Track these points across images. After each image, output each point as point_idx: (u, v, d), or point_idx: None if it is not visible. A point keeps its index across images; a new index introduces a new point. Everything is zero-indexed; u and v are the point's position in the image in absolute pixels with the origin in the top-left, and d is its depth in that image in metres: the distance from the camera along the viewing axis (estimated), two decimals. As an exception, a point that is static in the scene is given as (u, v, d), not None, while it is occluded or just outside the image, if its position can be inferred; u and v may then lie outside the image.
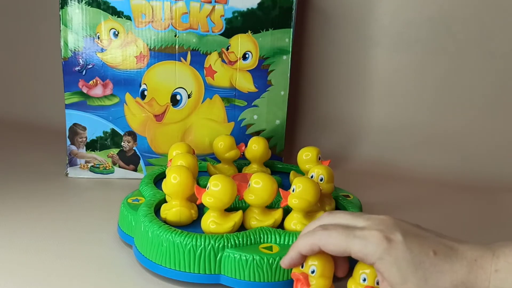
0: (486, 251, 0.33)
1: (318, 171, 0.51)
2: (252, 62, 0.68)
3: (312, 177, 0.51)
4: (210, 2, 0.65)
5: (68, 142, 0.68)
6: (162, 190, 0.51)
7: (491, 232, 0.60)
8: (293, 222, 0.46)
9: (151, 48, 0.66)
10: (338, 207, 0.54)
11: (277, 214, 0.47)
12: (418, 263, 0.32)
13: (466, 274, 0.32)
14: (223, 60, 0.67)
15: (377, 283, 0.36)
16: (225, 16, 0.66)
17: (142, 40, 0.65)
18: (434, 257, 0.33)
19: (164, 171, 0.57)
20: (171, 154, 0.56)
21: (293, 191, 0.45)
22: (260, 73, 0.69)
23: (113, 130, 0.68)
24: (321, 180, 0.51)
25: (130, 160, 0.70)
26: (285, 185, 0.59)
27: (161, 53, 0.66)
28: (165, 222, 0.46)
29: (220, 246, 0.42)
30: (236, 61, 0.68)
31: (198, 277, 0.43)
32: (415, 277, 0.32)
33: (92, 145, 0.68)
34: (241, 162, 0.64)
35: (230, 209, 0.48)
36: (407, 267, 0.32)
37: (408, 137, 0.82)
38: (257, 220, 0.46)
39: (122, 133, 0.68)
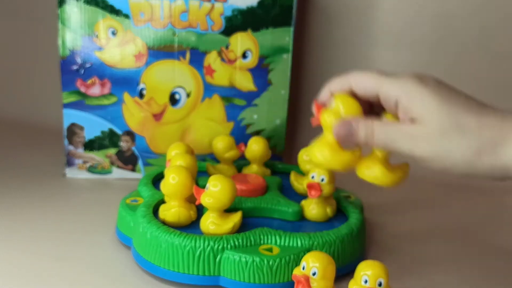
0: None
1: (319, 172, 0.50)
2: (252, 61, 0.68)
3: (313, 177, 0.51)
4: (210, 0, 0.65)
5: (66, 142, 0.68)
6: (160, 191, 0.50)
7: (492, 232, 0.59)
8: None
9: (150, 46, 0.65)
10: (340, 208, 0.54)
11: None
12: (446, 98, 0.32)
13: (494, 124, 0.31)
14: (222, 59, 0.67)
15: (379, 285, 0.35)
16: (225, 14, 0.65)
17: (140, 39, 0.65)
18: (465, 98, 0.32)
19: (163, 171, 0.57)
20: (170, 154, 0.56)
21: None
22: (260, 72, 0.68)
23: (111, 130, 0.67)
24: (322, 180, 0.50)
25: (128, 160, 0.69)
26: (285, 185, 0.59)
27: (160, 51, 0.65)
28: (164, 223, 0.46)
29: (220, 247, 0.42)
30: (236, 59, 0.67)
31: (197, 278, 0.42)
32: (439, 110, 0.31)
33: (90, 145, 0.68)
34: (240, 163, 0.63)
35: (229, 210, 0.47)
36: (435, 100, 0.32)
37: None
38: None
39: (120, 133, 0.68)
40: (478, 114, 0.32)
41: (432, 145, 0.32)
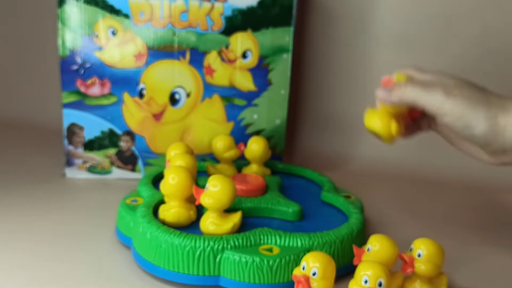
0: None
1: None
2: (252, 60, 0.67)
3: None
4: (210, 0, 0.65)
5: (66, 142, 0.67)
6: (160, 191, 0.50)
7: (491, 232, 0.59)
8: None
9: (150, 46, 0.65)
10: (339, 208, 0.54)
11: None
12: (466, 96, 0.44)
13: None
14: (222, 59, 0.67)
15: (379, 285, 0.35)
16: (225, 14, 0.65)
17: (140, 39, 0.65)
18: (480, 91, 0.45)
19: (163, 171, 0.56)
20: (170, 154, 0.56)
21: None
22: (260, 72, 0.68)
23: (111, 130, 0.67)
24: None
25: (128, 160, 0.69)
26: (285, 185, 0.59)
27: (160, 51, 0.65)
28: (164, 223, 0.46)
29: (220, 247, 0.42)
30: (236, 59, 0.67)
31: (197, 279, 0.42)
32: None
33: (90, 145, 0.68)
34: (240, 162, 0.63)
35: (229, 210, 0.47)
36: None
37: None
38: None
39: (120, 133, 0.68)
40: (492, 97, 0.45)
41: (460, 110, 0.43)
